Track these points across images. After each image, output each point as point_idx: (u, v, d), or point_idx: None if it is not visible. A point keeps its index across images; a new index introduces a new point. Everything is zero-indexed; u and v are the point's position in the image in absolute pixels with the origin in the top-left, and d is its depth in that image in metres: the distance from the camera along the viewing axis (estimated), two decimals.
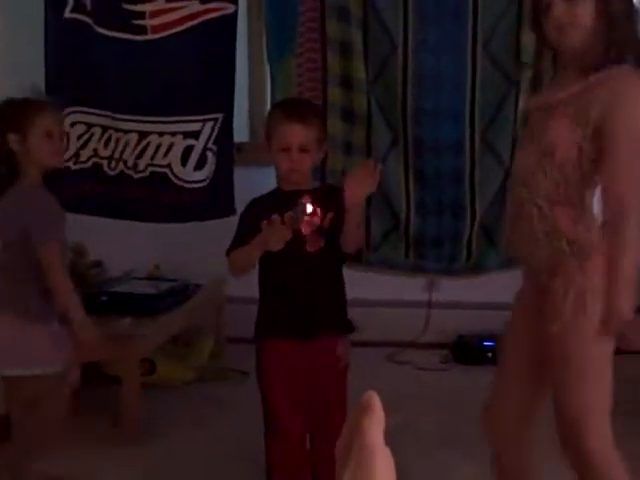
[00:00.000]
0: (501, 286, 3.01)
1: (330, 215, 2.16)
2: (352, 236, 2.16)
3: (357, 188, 2.08)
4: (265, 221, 2.08)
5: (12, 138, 2.22)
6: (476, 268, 3.04)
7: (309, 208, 2.02)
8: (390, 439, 0.65)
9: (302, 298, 2.17)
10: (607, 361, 1.82)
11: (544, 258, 1.79)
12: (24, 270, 2.23)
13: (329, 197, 2.20)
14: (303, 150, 2.14)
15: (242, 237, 2.17)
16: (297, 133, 2.13)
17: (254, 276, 2.23)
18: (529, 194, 1.78)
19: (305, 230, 2.07)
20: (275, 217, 2.11)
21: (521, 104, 2.83)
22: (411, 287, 3.60)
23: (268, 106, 3.85)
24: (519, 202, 1.82)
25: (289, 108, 2.26)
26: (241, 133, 3.55)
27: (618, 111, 1.68)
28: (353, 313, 2.29)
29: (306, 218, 2.04)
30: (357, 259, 2.35)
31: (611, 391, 1.85)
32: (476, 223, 2.97)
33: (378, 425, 0.62)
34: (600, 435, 1.83)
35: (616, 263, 1.70)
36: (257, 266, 2.21)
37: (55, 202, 2.27)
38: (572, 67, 1.78)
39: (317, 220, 2.10)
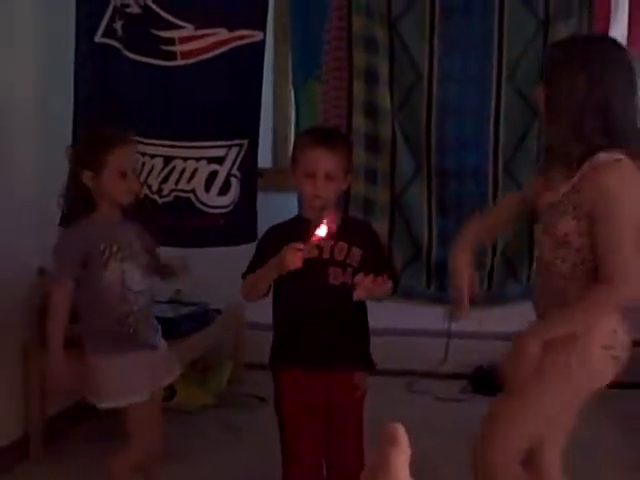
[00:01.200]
0: (521, 317, 3.00)
1: (358, 252, 2.16)
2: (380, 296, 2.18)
3: (367, 295, 2.09)
4: (287, 247, 2.07)
5: (86, 175, 2.21)
6: (497, 298, 3.02)
7: (322, 231, 1.98)
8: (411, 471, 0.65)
9: (321, 331, 2.15)
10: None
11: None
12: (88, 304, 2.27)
13: (354, 231, 2.20)
14: (329, 178, 2.14)
15: (259, 263, 2.16)
16: (324, 160, 2.13)
17: None
18: (552, 277, 1.96)
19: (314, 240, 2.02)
20: (296, 244, 2.10)
21: (543, 138, 2.84)
22: (431, 316, 3.58)
23: (292, 132, 3.89)
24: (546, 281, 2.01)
25: (318, 135, 2.25)
26: (264, 159, 3.57)
27: (603, 201, 1.82)
28: (372, 342, 2.29)
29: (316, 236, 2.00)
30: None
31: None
32: (497, 253, 2.96)
33: (403, 457, 0.62)
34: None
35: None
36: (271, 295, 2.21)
37: (85, 237, 2.23)
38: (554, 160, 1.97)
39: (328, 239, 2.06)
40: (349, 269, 2.16)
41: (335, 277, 2.15)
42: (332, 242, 2.12)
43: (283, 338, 2.23)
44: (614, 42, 2.01)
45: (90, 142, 2.28)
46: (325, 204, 2.16)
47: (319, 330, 2.15)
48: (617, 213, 1.82)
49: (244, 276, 2.20)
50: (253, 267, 2.18)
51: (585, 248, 1.88)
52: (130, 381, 2.28)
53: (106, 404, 2.29)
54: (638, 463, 2.87)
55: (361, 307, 2.24)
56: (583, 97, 1.83)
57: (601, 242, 1.83)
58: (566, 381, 1.91)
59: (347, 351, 2.19)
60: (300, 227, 2.15)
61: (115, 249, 2.23)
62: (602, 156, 1.83)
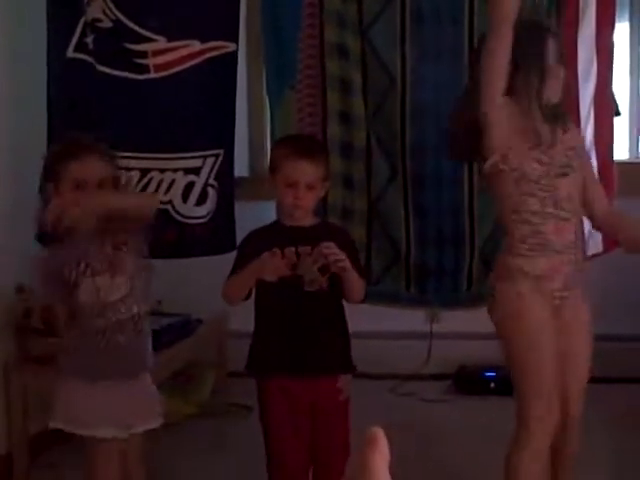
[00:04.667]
0: None
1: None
2: (353, 293, 2.22)
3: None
4: (266, 253, 2.10)
5: (49, 188, 2.09)
6: (477, 299, 3.05)
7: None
8: (394, 473, 0.66)
9: (301, 336, 2.18)
10: None
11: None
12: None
13: (332, 238, 2.23)
14: (309, 187, 2.17)
15: (240, 267, 2.19)
16: (305, 170, 2.15)
17: None
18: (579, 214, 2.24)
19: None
20: (276, 250, 2.13)
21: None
22: (413, 318, 3.60)
23: (268, 141, 3.90)
24: (577, 224, 2.22)
25: (298, 144, 2.28)
26: (241, 168, 3.58)
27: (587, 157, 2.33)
28: (354, 346, 2.30)
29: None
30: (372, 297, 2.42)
31: None
32: (476, 254, 2.99)
33: (383, 460, 0.63)
34: None
35: None
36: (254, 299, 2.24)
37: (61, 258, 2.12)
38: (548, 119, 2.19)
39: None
40: (325, 275, 2.18)
41: (311, 284, 2.18)
42: (309, 249, 2.15)
43: (265, 345, 2.25)
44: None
45: (51, 153, 2.20)
46: (304, 213, 2.21)
47: (299, 336, 2.18)
48: None
49: (227, 279, 2.22)
50: (235, 271, 2.21)
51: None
52: (97, 411, 2.14)
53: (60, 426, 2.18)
54: (622, 457, 2.89)
55: (339, 311, 2.26)
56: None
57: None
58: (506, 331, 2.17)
59: (328, 355, 2.21)
60: (279, 233, 2.19)
61: (82, 267, 2.12)
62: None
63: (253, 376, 2.26)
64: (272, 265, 2.08)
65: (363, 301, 2.32)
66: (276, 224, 2.29)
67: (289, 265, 2.11)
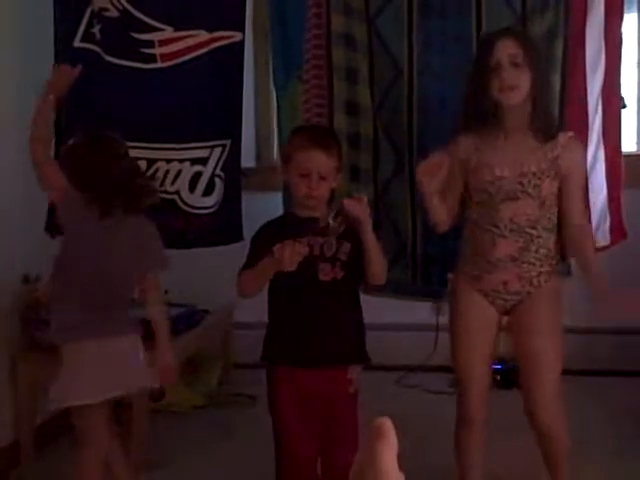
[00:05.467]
0: None
1: (347, 246, 2.18)
2: (375, 266, 2.18)
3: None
4: (279, 245, 2.09)
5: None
6: None
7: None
8: (400, 464, 0.66)
9: (313, 326, 2.17)
10: None
11: (543, 272, 2.31)
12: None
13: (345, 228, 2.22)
14: (322, 177, 2.16)
15: (254, 260, 2.17)
16: (319, 160, 2.15)
17: (262, 302, 2.24)
18: (537, 231, 2.28)
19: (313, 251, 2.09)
20: (289, 241, 2.12)
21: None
22: (419, 310, 3.60)
23: (275, 132, 3.91)
24: (524, 242, 2.29)
25: (313, 135, 2.27)
26: (247, 158, 3.58)
27: (577, 173, 2.33)
28: None
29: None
30: (378, 289, 2.43)
31: None
32: None
33: (392, 450, 0.63)
34: None
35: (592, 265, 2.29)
36: (266, 291, 2.23)
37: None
38: (514, 127, 2.28)
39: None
40: (338, 263, 2.18)
41: (325, 273, 2.17)
42: (321, 239, 2.14)
43: (277, 334, 2.24)
44: None
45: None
46: (317, 203, 2.20)
47: (311, 326, 2.17)
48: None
49: (240, 273, 2.21)
50: (248, 264, 2.19)
51: (554, 206, 2.31)
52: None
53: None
54: (623, 449, 2.90)
55: (354, 301, 2.26)
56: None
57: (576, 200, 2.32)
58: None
59: (340, 346, 2.20)
60: (291, 224, 2.18)
61: None
62: (569, 135, 2.33)
63: (267, 367, 2.25)
64: (289, 252, 2.03)
65: (380, 289, 2.31)
66: (288, 215, 2.28)
67: (305, 245, 2.07)
